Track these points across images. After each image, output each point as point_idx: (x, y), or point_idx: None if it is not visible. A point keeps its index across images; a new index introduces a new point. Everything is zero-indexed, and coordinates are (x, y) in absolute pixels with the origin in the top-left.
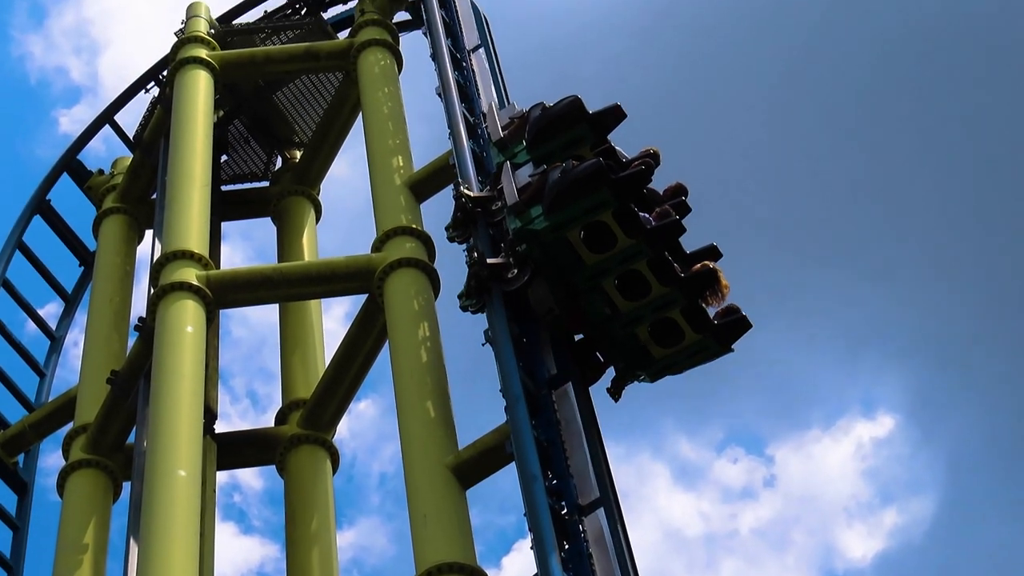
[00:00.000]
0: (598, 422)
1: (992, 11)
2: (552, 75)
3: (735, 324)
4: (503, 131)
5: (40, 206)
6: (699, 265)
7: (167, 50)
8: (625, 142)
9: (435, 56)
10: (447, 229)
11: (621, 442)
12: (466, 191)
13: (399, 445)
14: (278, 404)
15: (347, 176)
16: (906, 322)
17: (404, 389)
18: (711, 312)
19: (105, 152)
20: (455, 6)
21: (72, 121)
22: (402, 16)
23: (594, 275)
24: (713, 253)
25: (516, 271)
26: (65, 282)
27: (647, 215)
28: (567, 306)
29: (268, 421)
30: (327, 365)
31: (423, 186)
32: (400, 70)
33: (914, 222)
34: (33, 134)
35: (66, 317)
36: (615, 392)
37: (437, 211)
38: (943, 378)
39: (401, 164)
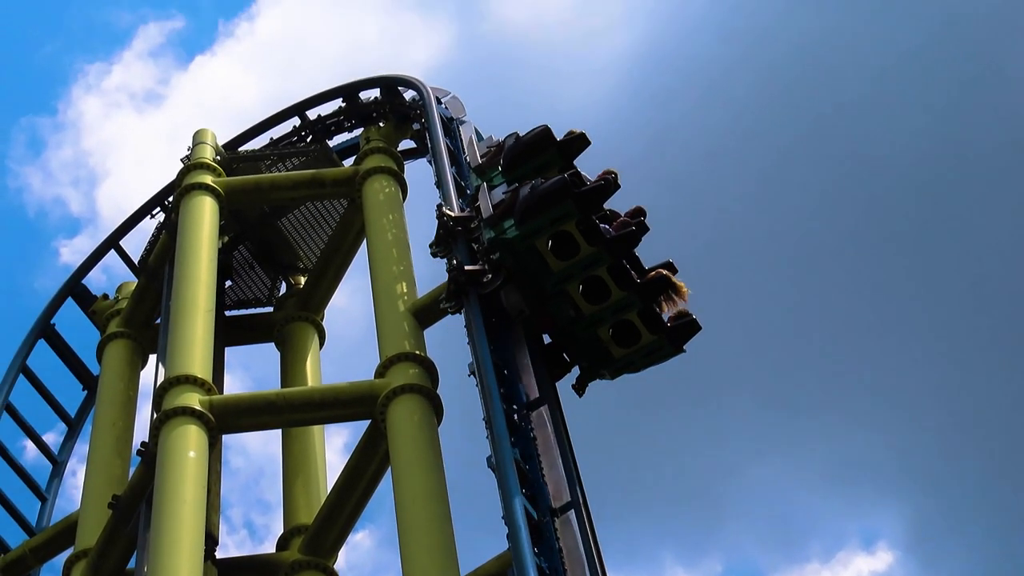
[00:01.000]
0: (599, 547)
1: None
2: None
3: (686, 327)
4: (481, 159)
5: (44, 330)
6: (653, 272)
7: (165, 181)
8: None
9: (439, 184)
10: (431, 247)
11: (620, 572)
12: (447, 211)
13: (400, 574)
14: (275, 534)
15: (351, 301)
16: (903, 455)
17: (406, 515)
18: (672, 316)
19: (108, 278)
20: (459, 134)
21: (72, 252)
22: (407, 144)
23: (560, 280)
24: (669, 267)
25: (491, 276)
26: (68, 406)
27: (607, 227)
28: (537, 309)
29: (265, 551)
30: (329, 491)
31: (426, 312)
32: (405, 197)
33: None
34: (33, 265)
35: (69, 441)
36: (579, 389)
37: (440, 337)
38: (940, 511)
39: (405, 291)
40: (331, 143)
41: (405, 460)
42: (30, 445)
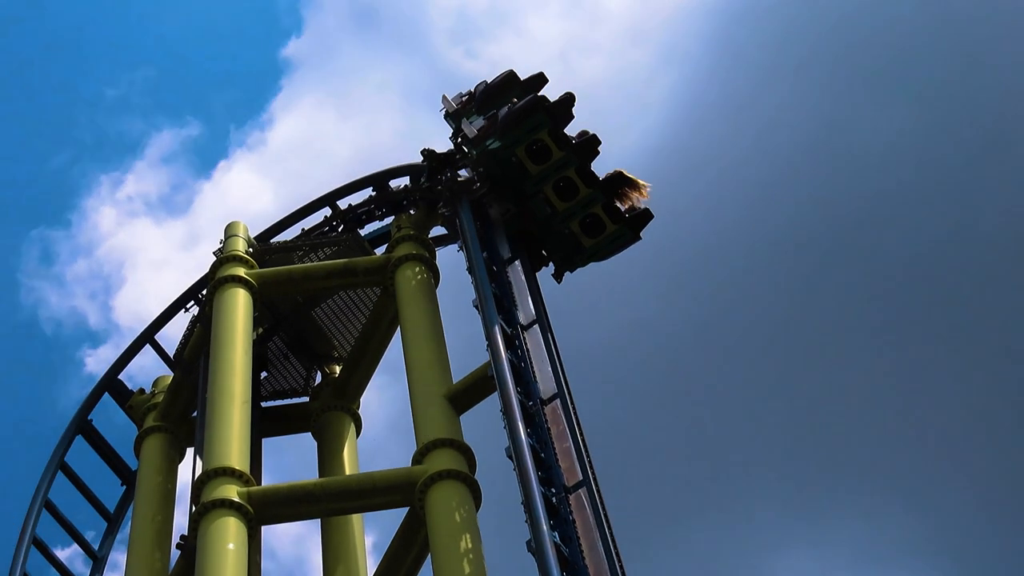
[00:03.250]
0: None
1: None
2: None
3: (641, 215)
4: (456, 105)
5: (81, 426)
6: (613, 171)
7: (181, 288)
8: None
9: (471, 269)
10: (421, 182)
11: None
12: (433, 151)
13: None
14: None
15: (387, 388)
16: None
17: None
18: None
19: (143, 373)
20: (490, 219)
21: (97, 361)
22: (438, 231)
23: (538, 181)
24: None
25: (479, 184)
26: (107, 501)
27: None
28: (519, 209)
29: None
30: None
31: (462, 398)
32: (437, 283)
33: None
34: (58, 378)
35: (109, 536)
36: (557, 277)
37: (477, 422)
38: None
39: (439, 376)
40: (362, 231)
41: (444, 546)
42: (72, 542)
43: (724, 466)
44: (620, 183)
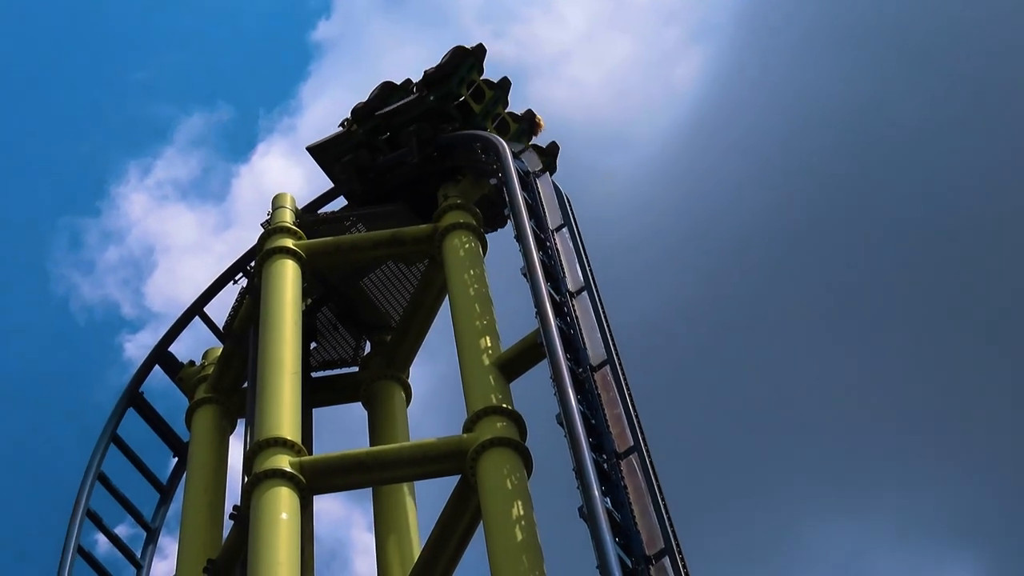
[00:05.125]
0: None
1: None
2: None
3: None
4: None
5: (133, 399)
6: (525, 111)
7: (215, 273)
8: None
9: (519, 237)
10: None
11: None
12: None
13: None
14: None
15: (436, 357)
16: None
17: (500, 569)
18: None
19: (194, 345)
20: (537, 188)
21: (137, 346)
22: None
23: (482, 118)
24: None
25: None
26: (159, 473)
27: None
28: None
29: None
30: (422, 547)
31: (512, 365)
32: (485, 252)
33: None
34: (98, 366)
35: (161, 508)
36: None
37: (527, 390)
38: (1013, 566)
39: (489, 344)
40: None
41: (496, 513)
42: (124, 514)
43: (764, 436)
44: (532, 116)
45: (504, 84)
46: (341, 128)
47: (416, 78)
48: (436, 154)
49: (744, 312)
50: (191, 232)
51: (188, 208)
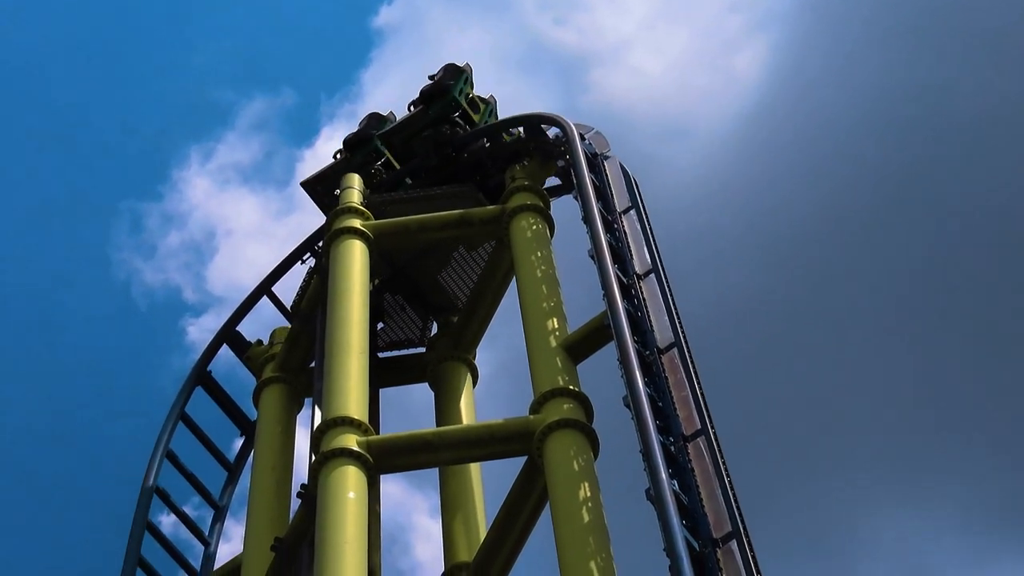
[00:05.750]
0: None
1: None
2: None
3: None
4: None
5: (201, 377)
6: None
7: (277, 259)
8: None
9: (587, 219)
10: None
11: None
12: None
13: None
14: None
15: (502, 339)
16: None
17: (567, 550)
18: None
19: (261, 324)
20: (605, 170)
21: (200, 330)
22: (552, 181)
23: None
24: None
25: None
26: (227, 451)
27: None
28: None
29: None
30: (488, 528)
31: (579, 347)
32: (552, 234)
33: None
34: (162, 351)
35: (229, 486)
36: None
37: (593, 372)
38: None
39: (556, 326)
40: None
41: (563, 495)
42: (193, 492)
43: (826, 426)
44: None
45: (492, 100)
46: (335, 159)
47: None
48: (454, 154)
49: (808, 303)
50: (253, 216)
51: (250, 192)
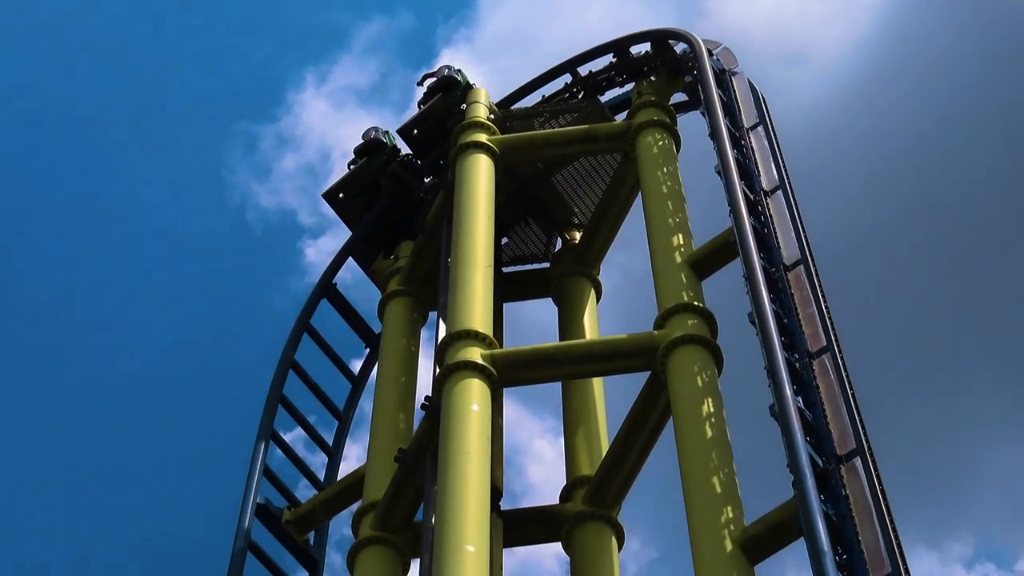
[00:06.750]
0: (886, 495)
1: None
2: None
3: None
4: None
5: (326, 290)
6: None
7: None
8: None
9: (714, 135)
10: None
11: None
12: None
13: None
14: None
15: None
16: None
17: (690, 465)
18: None
19: None
20: (732, 86)
21: (318, 251)
22: (679, 97)
23: None
24: None
25: None
26: (351, 363)
27: None
28: None
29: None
30: (611, 442)
31: (704, 263)
32: (678, 150)
33: None
34: (281, 272)
35: (353, 398)
36: None
37: (719, 288)
38: None
39: (682, 242)
40: (602, 98)
41: (686, 410)
42: (317, 403)
43: (949, 350)
44: None
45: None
46: (350, 168)
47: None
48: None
49: (926, 228)
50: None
51: (366, 114)
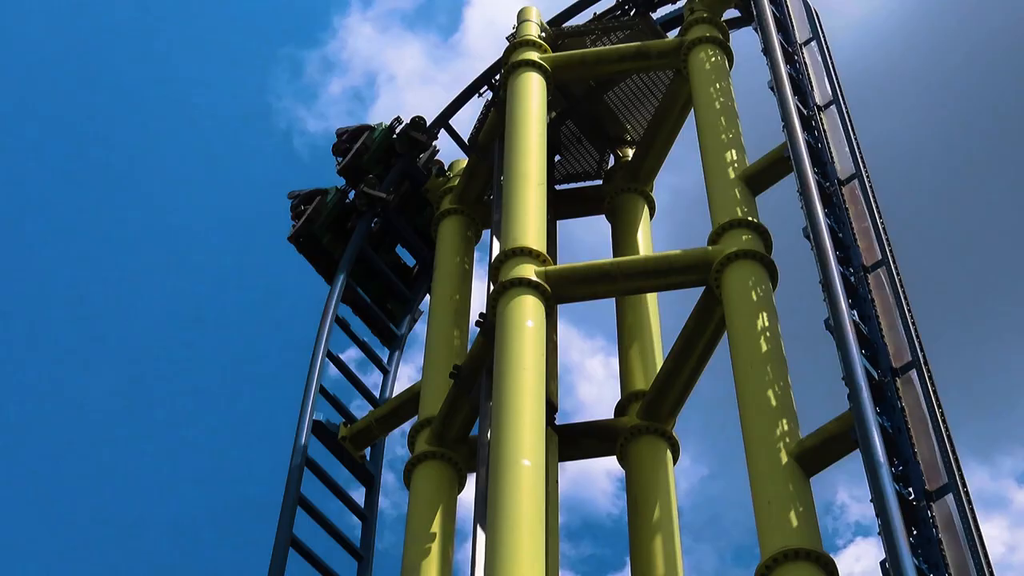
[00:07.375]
0: (942, 406)
1: None
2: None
3: None
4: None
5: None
6: None
7: (441, 102)
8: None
9: (767, 51)
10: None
11: None
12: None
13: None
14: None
15: (679, 172)
16: None
17: (745, 379)
18: None
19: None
20: (785, 1)
21: None
22: (731, 13)
23: None
24: None
25: None
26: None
27: None
28: None
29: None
30: (665, 357)
31: (758, 179)
32: (731, 66)
33: None
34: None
35: (407, 314)
36: None
37: (773, 203)
38: None
39: (735, 158)
40: (654, 15)
41: (741, 325)
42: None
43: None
44: None
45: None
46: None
47: None
48: None
49: (986, 145)
50: (416, 62)
51: (413, 38)
